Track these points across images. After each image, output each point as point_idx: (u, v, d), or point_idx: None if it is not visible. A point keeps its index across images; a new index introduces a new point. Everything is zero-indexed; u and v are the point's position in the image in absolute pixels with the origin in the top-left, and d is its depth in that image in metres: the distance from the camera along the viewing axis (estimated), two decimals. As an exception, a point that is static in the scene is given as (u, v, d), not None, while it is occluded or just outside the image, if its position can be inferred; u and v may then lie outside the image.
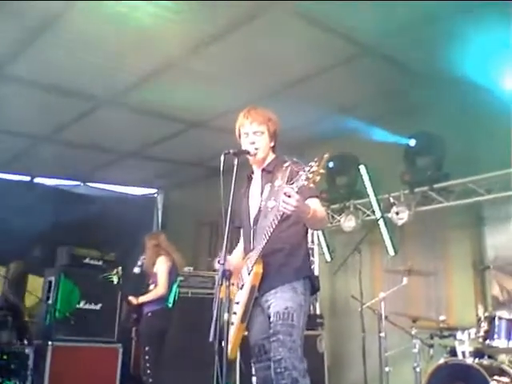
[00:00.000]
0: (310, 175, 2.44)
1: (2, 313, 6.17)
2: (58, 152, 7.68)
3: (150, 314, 5.16)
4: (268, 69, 5.48)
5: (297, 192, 2.49)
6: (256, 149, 2.99)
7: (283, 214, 2.59)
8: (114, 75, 5.60)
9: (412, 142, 5.85)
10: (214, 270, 2.85)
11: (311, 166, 2.45)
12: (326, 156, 2.46)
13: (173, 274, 5.36)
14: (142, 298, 5.21)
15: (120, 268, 5.65)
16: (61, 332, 5.43)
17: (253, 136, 3.02)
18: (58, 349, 5.32)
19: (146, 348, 5.05)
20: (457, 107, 5.56)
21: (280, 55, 5.20)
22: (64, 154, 7.78)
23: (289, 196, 2.49)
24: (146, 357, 5.01)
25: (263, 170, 3.06)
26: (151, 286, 5.27)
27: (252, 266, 2.83)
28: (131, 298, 5.27)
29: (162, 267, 5.30)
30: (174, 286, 5.41)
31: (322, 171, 2.46)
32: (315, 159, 2.46)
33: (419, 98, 5.81)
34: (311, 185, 2.49)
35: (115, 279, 5.54)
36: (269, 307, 2.82)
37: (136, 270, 5.47)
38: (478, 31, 4.44)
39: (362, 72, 5.44)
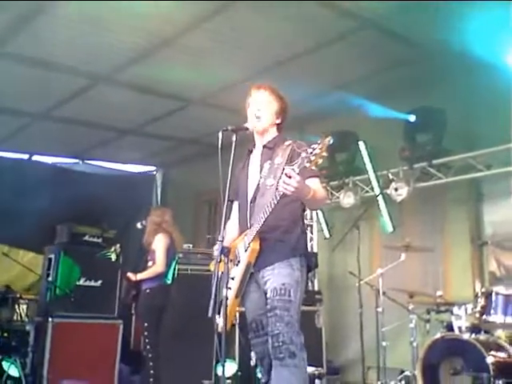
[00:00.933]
0: (313, 157, 2.44)
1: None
2: (56, 129, 7.66)
3: (148, 291, 5.19)
4: (265, 44, 5.42)
5: (297, 173, 2.48)
6: (258, 117, 2.97)
7: (283, 194, 2.58)
8: (110, 52, 5.55)
9: (411, 118, 5.81)
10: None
11: (314, 149, 2.44)
12: (329, 139, 2.45)
13: (171, 251, 5.38)
14: (141, 275, 5.23)
15: (118, 245, 5.67)
16: (61, 309, 5.46)
17: (260, 103, 3.01)
18: (58, 325, 5.35)
19: (145, 324, 5.10)
20: (457, 82, 5.52)
21: (277, 30, 5.14)
22: (62, 132, 7.76)
23: (289, 177, 2.48)
24: (145, 333, 5.07)
25: (264, 146, 3.05)
26: (149, 263, 5.29)
27: (249, 243, 2.83)
28: (130, 275, 5.29)
29: (159, 244, 5.31)
30: (173, 263, 5.43)
31: (324, 154, 2.45)
32: (318, 141, 2.44)
33: (419, 73, 5.76)
34: (313, 167, 2.49)
35: (113, 256, 5.56)
36: (265, 283, 2.83)
37: (139, 225, 5.48)
38: (481, 5, 4.38)
39: (360, 47, 5.38)
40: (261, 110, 2.99)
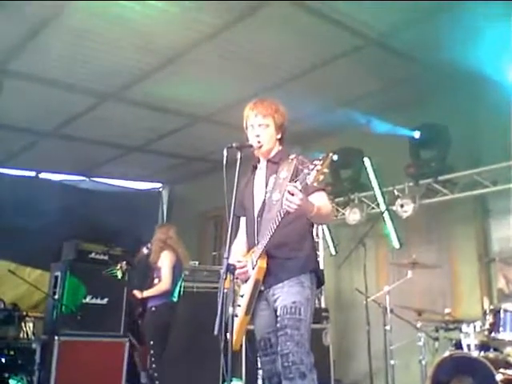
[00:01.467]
0: (314, 173, 2.43)
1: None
2: (63, 147, 7.70)
3: (153, 309, 5.18)
4: (271, 61, 5.47)
5: (300, 190, 2.48)
6: (259, 142, 2.98)
7: (286, 211, 2.58)
8: (117, 70, 5.61)
9: (416, 134, 5.82)
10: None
11: (315, 165, 2.44)
12: (331, 154, 2.45)
13: (177, 268, 5.38)
14: (147, 293, 5.23)
15: (124, 263, 5.67)
16: (67, 327, 5.45)
17: (258, 129, 3.00)
18: (64, 343, 5.34)
19: (151, 342, 5.07)
20: (461, 99, 5.53)
21: (283, 47, 5.19)
22: (69, 149, 7.80)
23: (292, 194, 2.48)
24: (151, 351, 5.04)
25: (268, 160, 3.05)
26: (155, 281, 5.28)
27: (256, 261, 2.83)
28: (136, 292, 5.29)
29: (165, 262, 5.31)
30: (179, 281, 5.42)
31: (325, 170, 2.45)
32: (320, 157, 2.44)
33: (423, 90, 5.79)
34: (315, 183, 2.48)
35: (119, 274, 5.55)
36: (275, 301, 2.82)
37: (144, 250, 5.49)
38: (483, 22, 4.41)
39: (365, 64, 5.42)
40: (260, 135, 2.99)
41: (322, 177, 2.46)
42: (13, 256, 7.59)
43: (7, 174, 8.52)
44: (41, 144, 7.58)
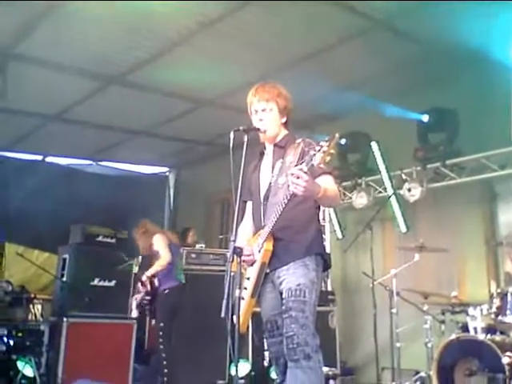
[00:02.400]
0: (320, 155, 2.42)
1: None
2: (70, 131, 7.71)
3: (167, 291, 5.21)
4: (277, 45, 5.43)
5: (306, 172, 2.47)
6: (265, 125, 2.96)
7: (293, 193, 2.57)
8: (124, 53, 5.60)
9: (425, 118, 5.79)
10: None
11: (321, 146, 2.42)
12: (337, 136, 2.42)
13: (173, 246, 5.40)
14: (151, 271, 5.23)
15: (140, 257, 5.67)
16: (75, 309, 5.49)
17: (261, 113, 2.99)
18: (72, 325, 5.38)
19: (161, 324, 5.10)
20: (470, 82, 5.48)
21: (288, 31, 5.14)
22: (75, 133, 7.82)
23: (297, 177, 2.47)
24: (161, 332, 5.07)
25: (275, 145, 3.04)
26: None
27: (262, 243, 2.83)
28: (142, 278, 5.31)
29: (158, 242, 5.33)
30: (178, 261, 5.46)
31: (332, 151, 2.43)
32: (326, 139, 2.43)
33: (432, 73, 5.74)
34: (321, 165, 2.47)
35: (135, 268, 5.56)
36: (281, 283, 2.82)
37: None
38: (495, 5, 4.34)
39: (373, 47, 5.37)
40: (263, 119, 2.97)
41: (328, 158, 2.44)
42: (21, 239, 7.66)
43: (14, 157, 8.56)
44: (47, 128, 7.59)
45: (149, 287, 5.31)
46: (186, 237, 7.36)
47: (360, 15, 4.87)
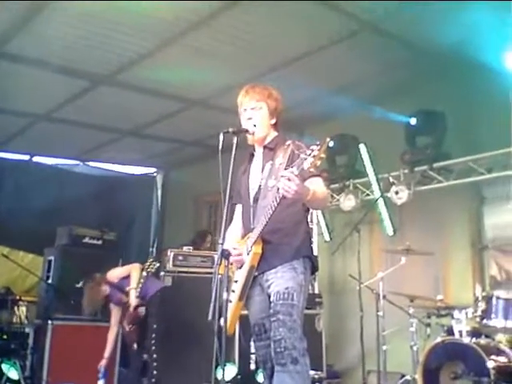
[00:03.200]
0: (311, 159, 2.42)
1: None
2: (57, 131, 7.65)
3: (159, 294, 5.18)
4: (268, 46, 5.42)
5: (296, 175, 2.47)
6: (254, 125, 2.94)
7: (283, 196, 2.57)
8: (112, 52, 5.55)
9: (412, 121, 5.81)
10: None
11: (312, 150, 2.42)
12: (328, 140, 2.43)
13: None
14: (133, 284, 5.05)
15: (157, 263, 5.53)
16: (61, 311, 5.46)
17: (250, 111, 2.98)
18: (58, 328, 5.35)
19: (154, 326, 5.06)
20: (458, 86, 5.52)
21: (278, 32, 5.14)
22: (63, 133, 7.75)
23: (288, 179, 2.47)
24: (153, 335, 5.03)
25: (265, 147, 3.03)
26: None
27: (251, 246, 2.82)
28: (131, 301, 5.09)
29: (117, 270, 5.29)
30: None
31: (322, 155, 2.43)
32: (317, 143, 2.43)
33: (420, 76, 5.76)
34: (311, 169, 2.47)
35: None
36: (269, 287, 2.82)
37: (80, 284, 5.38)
38: (480, 8, 4.37)
39: (362, 49, 5.38)
40: (252, 118, 2.96)
41: (319, 162, 2.45)
42: (6, 240, 7.57)
43: (1, 157, 8.47)
44: (34, 128, 7.52)
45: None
46: (204, 241, 7.16)
47: (349, 17, 4.88)
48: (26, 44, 5.34)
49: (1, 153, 8.44)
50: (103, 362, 5.10)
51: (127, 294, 5.04)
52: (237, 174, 2.96)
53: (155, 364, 4.96)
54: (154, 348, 4.99)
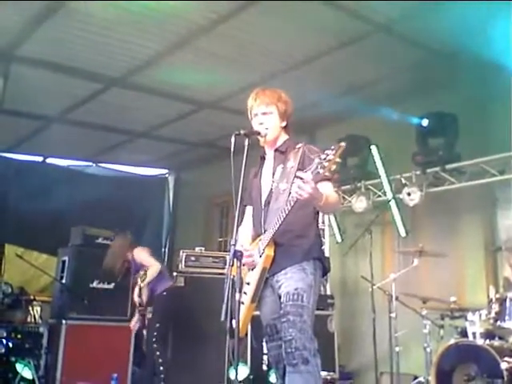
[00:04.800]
0: (326, 163, 2.42)
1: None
2: (70, 132, 7.71)
3: (165, 293, 5.22)
4: (278, 48, 5.45)
5: (312, 179, 2.47)
6: (266, 129, 2.97)
7: (296, 199, 2.58)
8: (124, 55, 5.61)
9: (424, 122, 5.79)
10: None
11: (327, 155, 2.42)
12: (343, 145, 2.41)
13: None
14: (147, 280, 5.17)
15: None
16: (75, 311, 5.49)
17: (261, 116, 3.00)
18: (71, 327, 5.38)
19: (157, 325, 5.11)
20: (470, 87, 5.48)
21: (290, 34, 5.16)
22: (76, 135, 7.82)
23: (303, 182, 2.47)
24: (155, 333, 5.08)
25: (276, 150, 3.04)
26: (141, 272, 5.25)
27: (263, 249, 2.84)
28: (136, 299, 5.30)
29: (141, 253, 5.40)
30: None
31: (338, 160, 2.43)
32: (332, 147, 2.42)
33: (432, 77, 5.75)
34: (327, 173, 2.47)
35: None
36: (279, 288, 2.83)
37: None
38: (495, 9, 4.36)
39: (373, 51, 5.38)
40: (263, 123, 2.98)
41: (334, 167, 2.45)
42: (20, 240, 7.65)
43: (15, 159, 8.56)
44: (48, 129, 7.60)
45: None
46: None
47: (361, 19, 4.89)
48: (39, 47, 5.41)
49: (15, 154, 8.53)
50: None
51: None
52: (248, 176, 2.97)
53: (160, 364, 4.99)
54: (156, 348, 5.01)
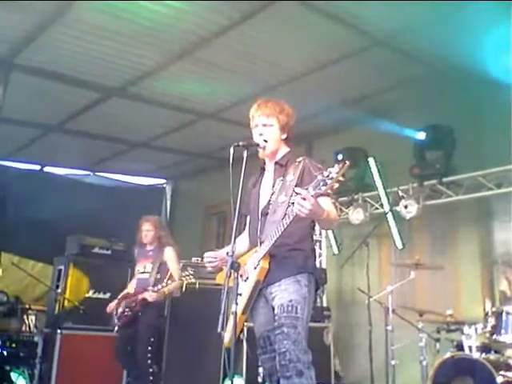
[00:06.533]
0: (329, 181, 2.42)
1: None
2: (68, 141, 7.74)
3: (158, 304, 5.19)
4: (278, 60, 5.48)
5: (312, 195, 2.47)
6: (265, 141, 2.98)
7: (296, 214, 2.58)
8: (124, 65, 5.63)
9: (421, 136, 5.82)
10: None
11: (330, 172, 2.42)
12: (347, 164, 2.41)
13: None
14: (162, 292, 4.97)
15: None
16: (70, 320, 5.49)
17: (261, 128, 3.01)
18: (66, 337, 5.38)
19: (152, 339, 5.05)
20: (467, 100, 5.52)
21: (290, 46, 5.20)
22: (74, 144, 7.83)
23: (304, 199, 2.48)
24: (149, 348, 4.99)
25: (276, 163, 3.05)
26: (158, 275, 5.13)
27: (259, 261, 2.83)
28: (147, 296, 4.98)
29: (173, 257, 5.23)
30: None
31: (341, 179, 2.43)
32: (335, 165, 2.42)
33: (429, 91, 5.78)
34: (329, 191, 2.47)
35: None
36: (273, 299, 2.83)
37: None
38: (490, 24, 4.40)
39: (372, 64, 5.43)
40: (263, 134, 2.99)
41: (336, 185, 2.45)
42: (16, 249, 7.63)
43: (12, 167, 8.56)
44: (46, 138, 7.61)
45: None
46: None
47: (360, 33, 4.94)
48: (39, 56, 5.43)
49: (13, 162, 8.53)
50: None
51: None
52: (246, 186, 2.98)
53: (159, 374, 4.96)
54: (150, 356, 4.95)
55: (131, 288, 5.27)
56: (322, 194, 2.63)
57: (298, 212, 2.52)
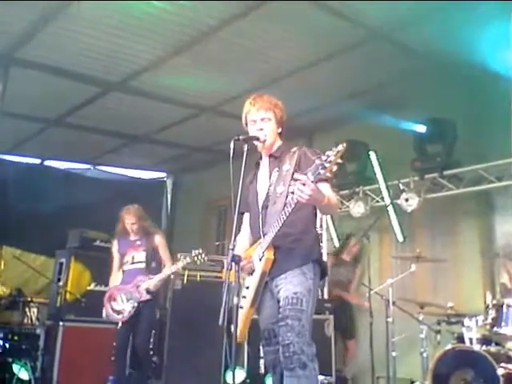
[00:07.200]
0: (327, 164, 2.42)
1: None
2: (69, 135, 7.73)
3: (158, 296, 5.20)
4: (277, 54, 5.47)
5: (312, 181, 2.48)
6: (265, 135, 2.99)
7: (297, 201, 2.58)
8: (123, 59, 5.62)
9: (422, 129, 5.81)
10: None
11: (328, 156, 2.43)
12: (344, 146, 2.41)
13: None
14: (155, 280, 4.88)
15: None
16: (71, 313, 5.51)
17: (260, 123, 3.02)
18: (68, 329, 5.40)
19: (153, 332, 5.05)
20: (468, 94, 5.52)
21: (288, 40, 5.18)
22: (74, 138, 7.84)
23: (303, 184, 2.48)
24: (151, 340, 5.00)
25: (270, 155, 3.06)
26: (153, 264, 5.06)
27: (263, 252, 2.84)
28: (147, 286, 4.88)
29: (163, 245, 5.11)
30: None
31: (339, 161, 2.43)
32: (332, 148, 2.43)
33: (430, 84, 5.76)
34: (327, 174, 2.47)
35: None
36: (278, 292, 2.84)
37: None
38: (492, 15, 4.39)
39: (371, 57, 5.40)
40: (263, 129, 3.00)
41: (335, 167, 2.45)
42: (18, 242, 7.64)
43: (13, 161, 8.56)
44: (46, 132, 7.60)
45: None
46: (347, 247, 6.61)
47: (360, 26, 4.92)
48: (39, 50, 5.42)
49: (13, 157, 8.53)
50: None
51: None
52: (245, 182, 2.99)
53: (160, 366, 4.98)
54: (152, 348, 4.95)
55: (115, 282, 5.02)
56: (321, 180, 2.62)
57: (299, 198, 2.53)
